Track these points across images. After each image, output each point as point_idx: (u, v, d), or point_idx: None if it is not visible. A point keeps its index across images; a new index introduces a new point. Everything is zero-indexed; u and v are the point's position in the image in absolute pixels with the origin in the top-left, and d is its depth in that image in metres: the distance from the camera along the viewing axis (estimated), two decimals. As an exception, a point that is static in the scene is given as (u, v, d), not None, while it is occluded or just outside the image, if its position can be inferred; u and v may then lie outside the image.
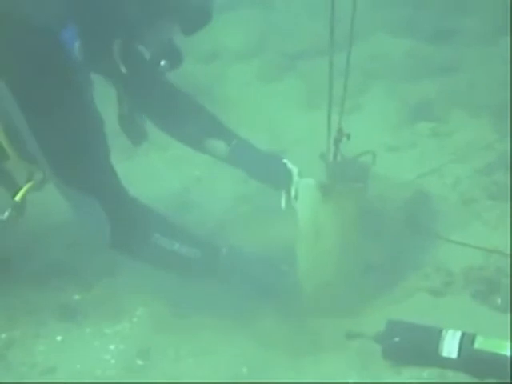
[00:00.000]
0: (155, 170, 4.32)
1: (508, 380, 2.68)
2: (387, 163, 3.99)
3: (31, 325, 3.27)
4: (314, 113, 4.91)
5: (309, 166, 4.06)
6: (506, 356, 2.71)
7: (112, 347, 3.12)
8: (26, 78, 2.80)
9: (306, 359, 3.05)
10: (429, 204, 3.83)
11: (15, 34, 2.77)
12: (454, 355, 2.79)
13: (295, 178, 3.49)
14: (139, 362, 3.07)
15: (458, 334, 2.83)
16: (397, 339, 2.88)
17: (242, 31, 5.84)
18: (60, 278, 3.46)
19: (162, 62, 3.15)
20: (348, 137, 3.13)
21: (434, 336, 2.85)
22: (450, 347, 2.81)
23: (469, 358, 2.78)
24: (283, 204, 3.47)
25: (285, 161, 3.58)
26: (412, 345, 2.89)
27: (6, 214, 3.00)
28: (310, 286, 3.27)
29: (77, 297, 3.40)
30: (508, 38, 4.92)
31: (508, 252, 3.30)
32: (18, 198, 3.02)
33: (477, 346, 2.77)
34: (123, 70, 3.11)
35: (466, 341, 2.80)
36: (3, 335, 3.23)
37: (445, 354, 2.81)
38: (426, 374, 2.83)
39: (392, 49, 5.37)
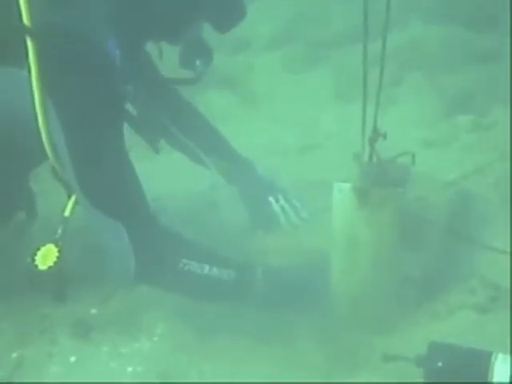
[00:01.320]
0: (180, 168, 4.00)
1: None
2: (425, 160, 3.61)
3: (44, 343, 3.00)
4: (347, 106, 4.61)
5: (341, 164, 3.81)
6: None
7: (130, 369, 2.82)
8: (70, 87, 2.63)
9: (338, 382, 2.75)
10: (471, 207, 3.48)
11: (64, 45, 2.62)
12: (507, 382, 2.45)
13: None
14: (158, 386, 2.76)
15: (509, 359, 2.48)
16: (440, 364, 2.55)
17: (268, 19, 5.54)
18: (77, 287, 3.14)
19: (198, 62, 2.99)
20: (384, 136, 2.83)
21: (483, 360, 2.51)
22: (501, 373, 2.47)
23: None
24: None
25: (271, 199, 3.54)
26: (458, 370, 2.55)
27: (59, 231, 2.83)
28: (344, 299, 2.98)
29: (93, 311, 3.13)
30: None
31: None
32: (67, 213, 2.87)
33: (531, 372, 2.43)
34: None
35: (520, 365, 2.46)
36: (14, 354, 2.96)
37: (496, 380, 2.47)
38: (474, 402, 2.49)
39: (428, 36, 5.00)
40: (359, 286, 2.94)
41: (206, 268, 2.78)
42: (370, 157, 2.90)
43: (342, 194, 2.90)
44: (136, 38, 2.91)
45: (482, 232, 3.35)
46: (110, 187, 2.72)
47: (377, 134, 2.83)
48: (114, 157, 2.72)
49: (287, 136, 4.35)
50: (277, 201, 3.54)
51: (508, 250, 3.13)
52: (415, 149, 2.96)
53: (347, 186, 2.89)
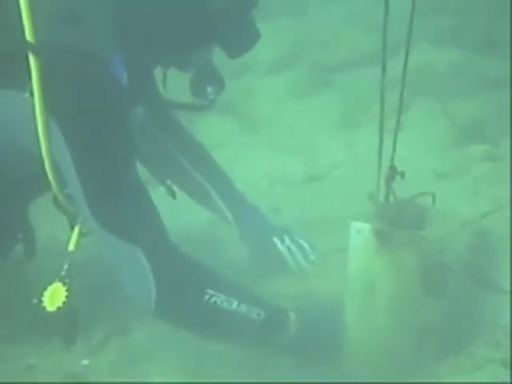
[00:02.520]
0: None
1: None
2: (437, 192, 3.37)
3: (28, 403, 2.70)
4: (353, 132, 4.44)
5: (349, 197, 3.56)
6: None
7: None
8: (78, 109, 2.38)
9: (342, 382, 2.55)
10: (490, 248, 3.19)
11: (67, 63, 2.36)
12: None
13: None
14: None
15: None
16: (469, 429, 2.26)
17: (273, 42, 5.29)
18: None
19: (209, 89, 2.76)
20: (402, 175, 2.58)
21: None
22: None
23: None
24: None
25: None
26: None
27: (66, 267, 2.58)
28: (359, 350, 2.70)
29: (85, 362, 2.81)
30: None
31: None
32: (71, 247, 2.64)
33: None
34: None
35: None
36: (-9, 412, 2.67)
37: None
38: None
39: (437, 61, 4.76)
40: (375, 336, 2.67)
41: (235, 303, 2.49)
42: (387, 196, 2.64)
43: (361, 235, 2.63)
44: (145, 61, 2.68)
45: (504, 274, 3.05)
46: (126, 211, 2.44)
47: (394, 173, 2.58)
48: (128, 180, 2.47)
49: (291, 165, 4.11)
50: (282, 241, 3.24)
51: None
52: (426, 180, 2.99)
53: (366, 226, 2.62)
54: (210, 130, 4.29)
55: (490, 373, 2.58)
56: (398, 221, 2.67)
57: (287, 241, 3.23)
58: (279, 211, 3.47)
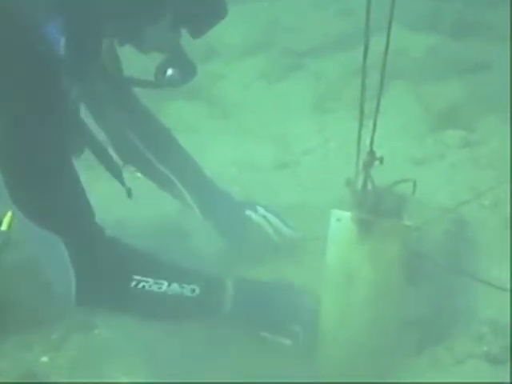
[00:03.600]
0: (143, 188, 3.53)
1: None
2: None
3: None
4: (326, 117, 4.31)
5: (321, 184, 3.41)
6: None
7: None
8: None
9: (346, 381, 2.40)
10: (468, 236, 3.08)
11: None
12: None
13: None
14: None
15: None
16: (452, 429, 2.12)
17: (242, 26, 5.15)
18: (26, 330, 2.65)
19: (169, 71, 2.47)
20: (381, 161, 2.43)
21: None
22: None
23: None
24: None
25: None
26: None
27: None
28: (336, 344, 2.54)
29: (44, 358, 2.60)
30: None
31: None
32: (4, 227, 2.49)
33: None
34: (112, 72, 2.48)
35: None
36: None
37: None
38: None
39: (412, 45, 4.62)
40: (354, 330, 2.51)
41: (165, 285, 2.35)
42: (365, 183, 2.49)
43: (341, 223, 2.47)
44: (90, 30, 2.35)
45: (482, 263, 2.92)
46: (44, 197, 2.24)
47: (372, 158, 2.43)
48: (50, 163, 2.25)
49: (261, 151, 3.96)
50: (255, 212, 3.03)
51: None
52: (402, 166, 2.88)
53: (347, 214, 2.47)
54: (179, 115, 4.12)
55: (472, 368, 2.45)
56: (377, 209, 2.53)
57: (261, 210, 3.04)
58: (249, 198, 3.27)
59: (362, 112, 2.50)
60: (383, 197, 2.54)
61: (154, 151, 3.00)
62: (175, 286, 2.37)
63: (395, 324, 2.52)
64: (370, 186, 2.53)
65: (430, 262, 2.61)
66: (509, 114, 3.83)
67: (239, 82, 4.68)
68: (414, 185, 2.54)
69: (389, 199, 2.54)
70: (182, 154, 3.07)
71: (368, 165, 2.48)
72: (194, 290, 2.40)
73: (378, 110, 2.51)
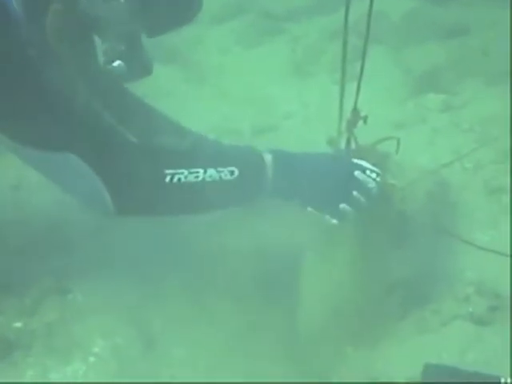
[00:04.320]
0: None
1: None
2: (394, 143, 3.18)
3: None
4: (304, 81, 4.21)
5: (303, 146, 3.32)
6: None
7: (59, 401, 2.26)
8: None
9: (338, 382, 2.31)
10: (450, 198, 3.03)
11: None
12: (518, 415, 1.98)
13: None
14: (97, 425, 2.22)
15: (522, 385, 2.01)
16: (438, 391, 2.06)
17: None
18: (-1, 295, 2.57)
19: (116, 63, 2.28)
20: (365, 120, 2.44)
21: (488, 387, 2.03)
22: (512, 403, 2.00)
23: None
24: None
25: None
26: (459, 398, 2.06)
27: None
28: (317, 307, 2.49)
29: (17, 324, 2.51)
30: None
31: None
32: None
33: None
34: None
35: (533, 394, 1.99)
36: None
37: (505, 412, 2.00)
38: None
39: (392, 8, 4.47)
40: (336, 292, 2.47)
41: (201, 172, 2.25)
42: (348, 142, 2.49)
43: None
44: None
45: (465, 225, 2.87)
46: (39, 119, 2.13)
47: (356, 117, 2.43)
48: (32, 86, 2.13)
49: (240, 115, 3.86)
50: None
51: (498, 246, 2.63)
52: (383, 130, 2.63)
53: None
54: (155, 79, 3.96)
55: (457, 329, 2.39)
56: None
57: None
58: None
59: (344, 71, 2.44)
60: (366, 155, 2.47)
61: (134, 132, 2.84)
62: (212, 172, 2.27)
63: (378, 286, 2.46)
64: (353, 145, 2.48)
65: (415, 223, 2.55)
66: (489, 78, 3.81)
67: (216, 46, 4.58)
68: (398, 143, 2.49)
69: (372, 158, 2.48)
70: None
71: (352, 123, 2.42)
72: (232, 172, 2.30)
73: (363, 68, 2.45)
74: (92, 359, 2.39)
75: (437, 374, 2.11)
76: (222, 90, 4.06)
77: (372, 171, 2.42)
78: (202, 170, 2.24)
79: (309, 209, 2.40)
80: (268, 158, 2.38)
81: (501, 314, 2.39)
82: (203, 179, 2.24)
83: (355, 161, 2.44)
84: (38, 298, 2.60)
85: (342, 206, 2.37)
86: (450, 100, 3.79)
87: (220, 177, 2.27)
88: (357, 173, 2.40)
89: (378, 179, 2.41)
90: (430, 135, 3.57)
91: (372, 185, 2.39)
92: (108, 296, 2.55)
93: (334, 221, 2.39)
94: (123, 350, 2.43)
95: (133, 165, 2.23)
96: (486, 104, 3.66)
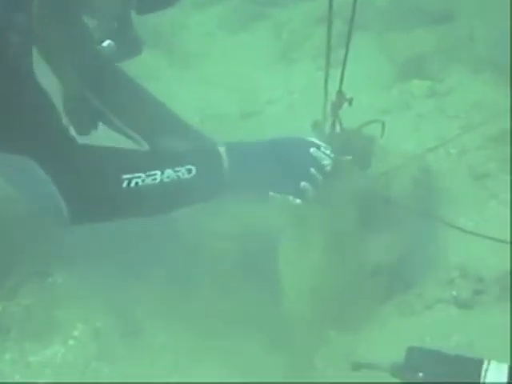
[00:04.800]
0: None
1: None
2: (379, 129, 3.15)
3: None
4: (289, 68, 4.14)
5: (287, 131, 3.29)
6: None
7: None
8: None
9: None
10: (435, 183, 3.01)
11: None
12: (502, 399, 1.96)
13: None
14: (77, 408, 2.19)
15: (505, 368, 1.98)
16: (421, 374, 2.03)
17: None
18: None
19: (106, 43, 2.28)
20: (350, 102, 2.40)
21: (472, 371, 2.01)
22: (495, 386, 1.97)
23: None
24: None
25: None
26: (441, 383, 2.03)
27: None
28: (297, 291, 2.44)
29: (-3, 307, 2.47)
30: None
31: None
32: None
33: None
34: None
35: (517, 377, 1.97)
36: None
37: (489, 396, 1.97)
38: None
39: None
40: (318, 276, 2.43)
41: (158, 174, 2.21)
42: (333, 126, 2.45)
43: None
44: None
45: (449, 211, 2.85)
46: (5, 116, 2.10)
47: (341, 99, 2.38)
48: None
49: (224, 100, 3.83)
50: None
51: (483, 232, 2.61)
52: (368, 117, 2.55)
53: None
54: (139, 64, 3.91)
55: (440, 313, 2.38)
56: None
57: None
58: None
59: (328, 51, 2.41)
60: (351, 139, 2.44)
61: (123, 118, 2.79)
62: (170, 173, 2.23)
63: (357, 268, 2.43)
64: (338, 128, 2.44)
65: (398, 208, 2.52)
66: (474, 65, 3.78)
67: (200, 31, 4.50)
68: (383, 126, 2.46)
69: (357, 141, 2.45)
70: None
71: (337, 106, 2.39)
72: (190, 171, 2.26)
73: (347, 54, 2.41)
74: (71, 342, 2.36)
75: (420, 358, 2.08)
76: (206, 75, 4.01)
77: (326, 147, 2.41)
78: (159, 172, 2.22)
79: (270, 193, 2.38)
80: (222, 150, 2.35)
81: (485, 297, 2.38)
82: (161, 180, 2.22)
83: (309, 138, 2.43)
84: (18, 282, 2.58)
85: (303, 184, 2.35)
86: (435, 86, 3.76)
87: (178, 176, 2.24)
88: (312, 150, 2.38)
89: (332, 155, 2.40)
90: (414, 121, 3.55)
91: (327, 161, 2.38)
92: (88, 281, 2.53)
93: (298, 200, 2.37)
94: (103, 334, 2.40)
95: (89, 172, 2.20)
96: (472, 90, 3.65)
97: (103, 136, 2.65)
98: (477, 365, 2.02)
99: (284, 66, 4.15)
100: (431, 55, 3.93)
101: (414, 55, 3.95)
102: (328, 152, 2.40)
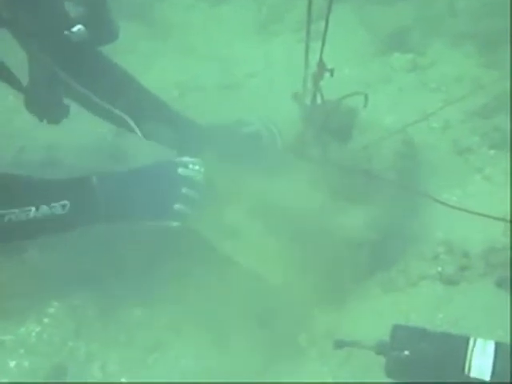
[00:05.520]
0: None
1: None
2: (359, 102, 3.05)
3: None
4: (269, 40, 4.01)
5: (266, 103, 3.23)
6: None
7: (12, 364, 2.10)
8: None
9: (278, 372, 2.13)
10: (418, 157, 2.92)
11: None
12: (487, 376, 1.89)
13: None
14: (52, 387, 2.09)
15: (491, 346, 1.92)
16: (406, 352, 1.96)
17: None
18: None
19: (76, 28, 2.17)
20: (331, 73, 2.28)
21: (458, 349, 1.95)
22: (480, 365, 1.90)
23: (506, 380, 1.87)
24: None
25: None
26: (427, 360, 1.97)
27: None
28: (283, 274, 2.36)
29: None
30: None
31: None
32: None
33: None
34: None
35: (502, 355, 1.90)
36: None
37: (474, 374, 1.90)
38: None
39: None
40: (292, 252, 2.37)
41: (32, 210, 2.17)
42: (314, 97, 2.34)
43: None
44: None
45: (432, 185, 2.76)
46: None
47: (322, 70, 2.27)
48: None
49: (204, 73, 3.73)
50: None
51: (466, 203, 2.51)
52: (348, 91, 2.43)
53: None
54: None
55: (425, 289, 2.30)
56: (326, 124, 2.33)
57: None
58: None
59: (309, 24, 2.31)
60: (333, 111, 2.34)
61: (101, 95, 2.67)
62: (44, 209, 2.20)
63: (345, 245, 2.34)
64: (319, 100, 2.34)
65: (381, 181, 2.43)
66: (456, 39, 3.68)
67: (181, 3, 4.34)
68: (366, 98, 2.36)
69: (338, 113, 2.35)
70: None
71: (318, 76, 2.28)
72: (64, 206, 2.23)
73: (327, 26, 2.30)
74: (46, 320, 2.26)
75: (405, 336, 2.01)
76: (186, 47, 3.89)
77: (194, 163, 2.41)
78: (33, 208, 2.18)
79: (148, 223, 2.37)
80: (95, 181, 2.31)
81: (470, 273, 2.30)
82: (34, 217, 2.18)
83: (176, 159, 2.43)
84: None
85: (177, 206, 2.35)
86: (416, 59, 3.66)
87: (52, 212, 2.21)
88: (180, 170, 2.38)
89: (202, 169, 2.40)
90: (396, 95, 3.46)
91: (198, 176, 2.39)
92: (65, 257, 2.41)
93: (175, 223, 2.36)
94: (78, 311, 2.30)
95: None
96: (454, 63, 3.56)
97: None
98: (463, 342, 1.95)
99: (265, 38, 4.04)
100: (412, 28, 3.82)
101: (396, 28, 3.83)
102: (197, 167, 2.41)
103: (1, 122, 3.07)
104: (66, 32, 2.19)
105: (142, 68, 3.41)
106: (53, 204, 2.20)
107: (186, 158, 2.41)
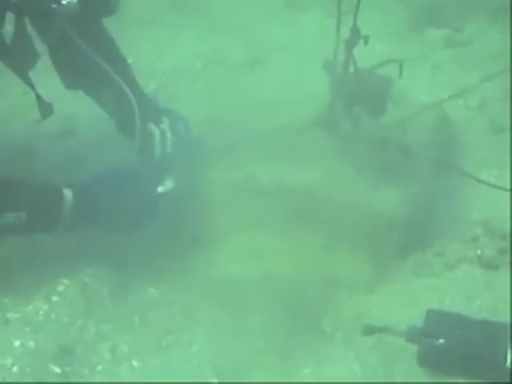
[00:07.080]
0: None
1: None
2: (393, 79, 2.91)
3: None
4: (297, 15, 3.83)
5: (295, 78, 3.13)
6: None
7: (17, 343, 1.99)
8: None
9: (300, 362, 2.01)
10: (453, 134, 2.78)
11: None
12: (529, 368, 1.75)
13: None
14: (56, 370, 1.97)
15: (534, 335, 1.78)
16: (441, 340, 1.81)
17: None
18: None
19: (65, 1, 1.97)
20: (366, 40, 2.19)
21: (497, 337, 1.80)
22: (522, 355, 1.77)
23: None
24: None
25: None
26: (463, 349, 1.82)
27: None
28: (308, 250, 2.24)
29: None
30: None
31: None
32: None
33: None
34: None
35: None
36: None
37: (511, 364, 1.77)
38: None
39: None
40: (322, 231, 2.23)
41: None
42: (346, 66, 2.21)
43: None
44: None
45: (470, 166, 2.60)
46: None
47: (356, 37, 2.17)
48: None
49: (229, 46, 3.57)
50: None
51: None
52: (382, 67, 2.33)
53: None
54: (135, 8, 3.67)
55: (463, 273, 2.15)
56: (358, 95, 2.18)
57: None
58: (215, 93, 2.98)
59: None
60: (366, 80, 2.19)
61: None
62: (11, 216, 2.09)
63: (376, 224, 2.19)
64: (351, 68, 2.19)
65: (416, 157, 2.27)
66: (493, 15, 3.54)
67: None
68: (401, 67, 2.22)
69: (372, 82, 2.20)
70: None
71: (351, 43, 2.14)
72: (20, 217, 2.10)
73: None
74: (55, 299, 2.14)
75: (440, 322, 1.86)
76: (210, 20, 3.75)
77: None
78: None
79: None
80: (68, 193, 2.17)
81: (510, 257, 2.15)
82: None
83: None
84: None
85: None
86: (453, 35, 3.52)
87: (5, 222, 2.09)
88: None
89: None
90: (431, 72, 3.32)
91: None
92: (77, 235, 2.27)
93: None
94: (90, 290, 2.17)
95: None
96: (491, 40, 3.42)
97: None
98: (503, 330, 1.80)
99: (293, 12, 3.89)
100: (450, 4, 3.66)
101: (431, 3, 3.68)
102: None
103: (17, 94, 2.99)
104: (53, 5, 2.01)
105: (164, 40, 3.30)
106: (8, 214, 2.09)
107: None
